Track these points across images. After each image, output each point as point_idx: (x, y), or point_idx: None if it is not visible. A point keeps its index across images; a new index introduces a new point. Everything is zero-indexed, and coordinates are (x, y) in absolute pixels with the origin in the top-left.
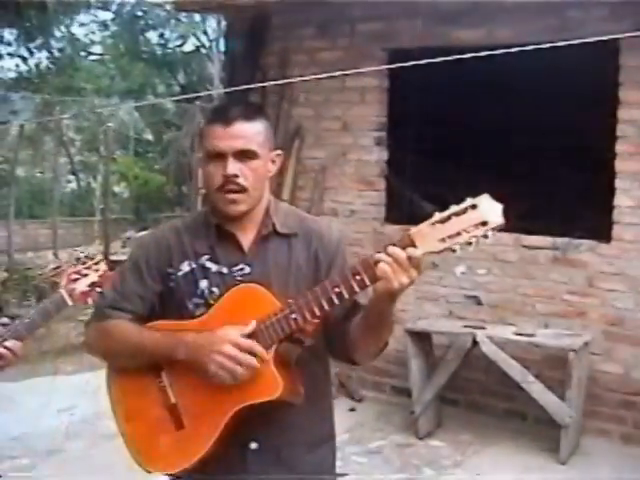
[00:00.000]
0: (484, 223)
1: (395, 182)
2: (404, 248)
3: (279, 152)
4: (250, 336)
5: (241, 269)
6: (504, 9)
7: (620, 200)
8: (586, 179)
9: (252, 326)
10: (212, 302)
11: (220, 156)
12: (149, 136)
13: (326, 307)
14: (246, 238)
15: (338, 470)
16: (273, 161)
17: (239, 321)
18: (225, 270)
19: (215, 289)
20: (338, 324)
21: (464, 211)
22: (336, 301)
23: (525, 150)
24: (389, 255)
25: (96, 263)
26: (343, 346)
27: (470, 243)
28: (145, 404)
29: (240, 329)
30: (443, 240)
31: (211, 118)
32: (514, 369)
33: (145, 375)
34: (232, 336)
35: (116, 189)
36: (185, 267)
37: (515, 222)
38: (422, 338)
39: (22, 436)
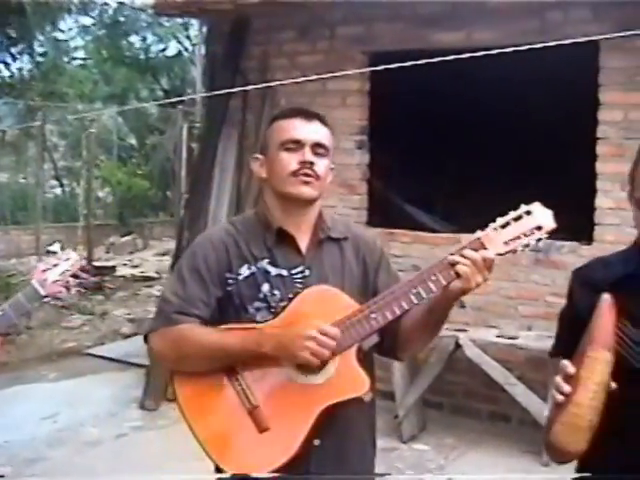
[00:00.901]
0: (539, 227)
1: (377, 186)
2: (476, 251)
3: (332, 166)
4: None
5: (300, 272)
6: (484, 11)
7: (601, 201)
8: (567, 181)
9: (337, 331)
10: (274, 305)
11: (298, 144)
12: (132, 141)
13: (406, 307)
14: (302, 241)
15: None
16: (331, 168)
17: (316, 320)
18: (285, 273)
19: (277, 292)
20: (390, 325)
21: (520, 217)
22: (415, 301)
23: (506, 152)
24: (467, 257)
25: (66, 254)
26: (394, 344)
27: (528, 245)
28: (222, 407)
29: (323, 322)
30: (507, 243)
31: (287, 114)
32: (497, 371)
33: (219, 378)
34: (315, 324)
35: (100, 194)
36: (245, 271)
37: None
38: None
39: (5, 444)
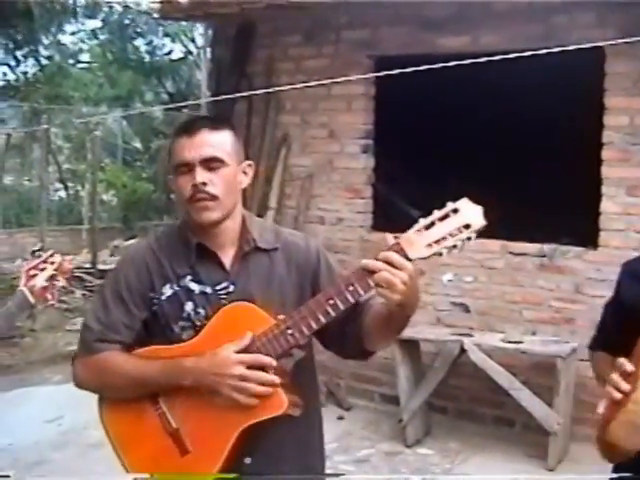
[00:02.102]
0: (467, 226)
1: (382, 190)
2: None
3: (250, 163)
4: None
5: (225, 288)
6: (489, 16)
7: (606, 206)
8: (572, 186)
9: (248, 338)
10: (198, 323)
11: (187, 166)
12: (137, 144)
13: (322, 320)
14: (226, 255)
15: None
16: (245, 172)
17: (234, 339)
18: (209, 290)
19: (201, 310)
20: (349, 327)
21: (446, 216)
22: (332, 313)
23: (511, 157)
24: (383, 264)
25: (51, 255)
26: (357, 345)
27: (455, 246)
28: (145, 431)
29: (237, 344)
30: (430, 245)
31: (176, 132)
32: (502, 376)
33: (141, 402)
34: (235, 356)
35: (104, 197)
36: (167, 290)
37: (502, 229)
38: (410, 346)
39: (9, 447)
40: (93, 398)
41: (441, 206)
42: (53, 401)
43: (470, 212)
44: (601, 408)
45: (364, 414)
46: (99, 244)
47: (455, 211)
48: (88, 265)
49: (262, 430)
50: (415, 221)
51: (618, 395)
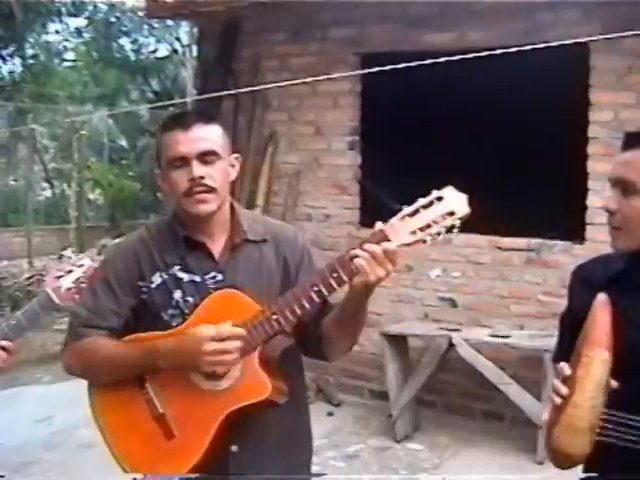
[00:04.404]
0: (451, 213)
1: (369, 186)
2: (378, 243)
3: (237, 156)
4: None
5: (213, 277)
6: (474, 12)
7: (593, 201)
8: (559, 180)
9: (227, 324)
10: (187, 312)
11: (183, 160)
12: (123, 143)
13: (307, 306)
14: (215, 245)
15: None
16: (232, 165)
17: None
18: (198, 279)
19: (190, 298)
20: (311, 323)
21: (431, 203)
22: (316, 299)
23: (498, 153)
24: (365, 250)
25: (80, 259)
26: (317, 344)
27: (439, 233)
28: (132, 416)
29: (214, 327)
30: (414, 232)
31: (167, 127)
32: (490, 371)
33: (129, 387)
34: (206, 332)
35: (91, 196)
36: (157, 279)
37: (489, 224)
38: (398, 341)
39: None
40: (84, 397)
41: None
42: (43, 401)
43: (454, 200)
44: (545, 414)
45: (353, 410)
46: (86, 243)
47: (439, 199)
48: (83, 255)
49: (248, 418)
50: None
51: (558, 400)
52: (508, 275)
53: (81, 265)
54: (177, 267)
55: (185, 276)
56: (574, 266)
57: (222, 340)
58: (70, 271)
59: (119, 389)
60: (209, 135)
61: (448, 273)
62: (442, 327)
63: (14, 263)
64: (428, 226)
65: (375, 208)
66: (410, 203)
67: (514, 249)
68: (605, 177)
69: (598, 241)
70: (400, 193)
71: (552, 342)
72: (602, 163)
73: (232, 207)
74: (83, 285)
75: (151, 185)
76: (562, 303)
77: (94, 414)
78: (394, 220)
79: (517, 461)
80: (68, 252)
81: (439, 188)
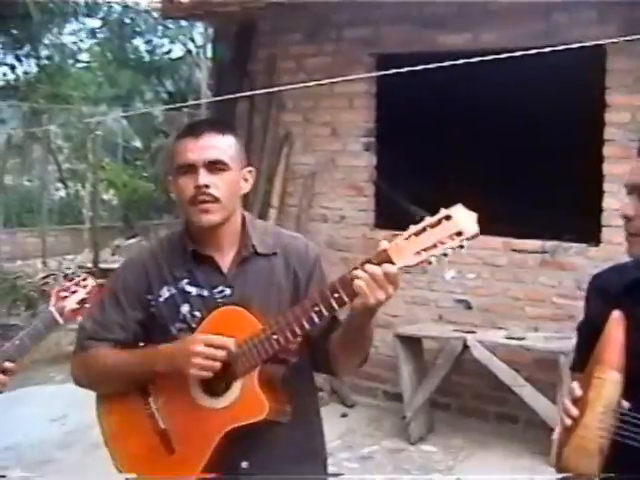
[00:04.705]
0: (459, 233)
1: (384, 187)
2: (380, 264)
3: (251, 169)
4: (232, 357)
5: (221, 291)
6: (490, 13)
7: (608, 203)
8: (575, 182)
9: (221, 337)
10: (195, 326)
11: (191, 168)
12: (137, 143)
13: (307, 326)
14: (224, 259)
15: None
16: (245, 179)
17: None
18: (206, 293)
19: (197, 313)
20: (319, 340)
21: (438, 222)
22: (316, 320)
23: (513, 154)
24: (365, 271)
25: (84, 279)
26: (325, 360)
27: (445, 254)
28: (136, 430)
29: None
30: (419, 253)
31: (181, 134)
32: (505, 373)
33: (133, 401)
34: (199, 337)
35: (105, 197)
36: (165, 292)
37: (504, 226)
38: (413, 343)
39: (14, 446)
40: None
41: (446, 205)
42: (57, 400)
43: (463, 219)
44: (555, 434)
45: (367, 411)
46: (100, 243)
47: (448, 218)
48: (90, 264)
49: (258, 434)
50: (415, 220)
51: (569, 421)
52: (523, 277)
53: (85, 285)
54: (185, 281)
55: (193, 290)
56: (589, 268)
57: (212, 346)
58: (74, 291)
59: (123, 402)
60: (219, 144)
61: (463, 275)
62: (457, 329)
63: (28, 263)
64: (434, 246)
65: (390, 209)
66: (425, 205)
67: (529, 251)
68: (621, 179)
69: (614, 243)
70: (415, 194)
71: (567, 344)
72: (618, 165)
73: (243, 219)
74: (87, 306)
75: (165, 186)
76: (577, 305)
77: (100, 423)
78: (399, 239)
79: (531, 463)
80: (72, 271)
81: (454, 190)
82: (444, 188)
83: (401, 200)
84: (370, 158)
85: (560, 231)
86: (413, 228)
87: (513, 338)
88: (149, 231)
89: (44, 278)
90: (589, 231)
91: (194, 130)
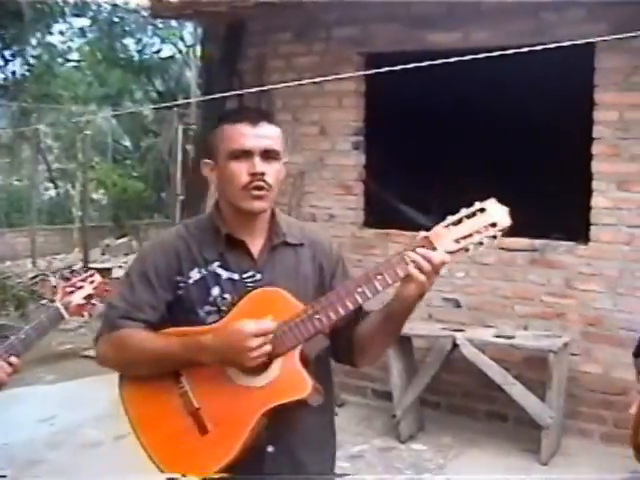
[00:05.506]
0: (493, 224)
1: (373, 186)
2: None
3: (286, 160)
4: (275, 336)
5: (252, 276)
6: (479, 12)
7: (597, 201)
8: (563, 181)
9: (267, 320)
10: (224, 309)
11: (246, 154)
12: (127, 143)
13: (350, 307)
14: (254, 245)
15: None
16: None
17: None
18: (236, 277)
19: (227, 296)
20: (344, 329)
21: (474, 214)
22: (360, 300)
23: (502, 152)
24: (417, 254)
25: (91, 275)
26: (348, 350)
27: (482, 243)
28: (166, 410)
29: (256, 323)
30: (457, 241)
31: (231, 119)
32: (494, 371)
33: (163, 381)
34: (248, 329)
35: (94, 196)
36: (195, 274)
37: None
38: (402, 341)
39: (4, 446)
40: (86, 397)
41: (436, 203)
42: (47, 400)
43: (497, 212)
44: (633, 408)
45: (357, 410)
46: (90, 243)
47: (482, 210)
48: (79, 264)
49: (284, 419)
50: (410, 217)
51: None
52: (512, 275)
53: (92, 281)
54: (216, 263)
55: (224, 273)
56: (578, 266)
57: (264, 335)
58: (81, 287)
59: (153, 382)
60: (274, 134)
61: (452, 273)
62: (446, 327)
63: (18, 263)
64: (470, 235)
65: (379, 208)
66: (414, 204)
67: (518, 249)
68: (610, 177)
69: (603, 241)
70: (404, 193)
71: (556, 342)
72: (607, 163)
73: (272, 209)
74: (94, 302)
75: (155, 185)
76: (566, 303)
77: (124, 405)
78: (438, 228)
79: (521, 462)
80: (78, 267)
81: (442, 189)
82: (433, 187)
83: (390, 199)
84: (359, 157)
85: (549, 229)
86: (451, 218)
87: (502, 336)
88: (139, 230)
89: (33, 278)
90: (578, 229)
91: (250, 116)
